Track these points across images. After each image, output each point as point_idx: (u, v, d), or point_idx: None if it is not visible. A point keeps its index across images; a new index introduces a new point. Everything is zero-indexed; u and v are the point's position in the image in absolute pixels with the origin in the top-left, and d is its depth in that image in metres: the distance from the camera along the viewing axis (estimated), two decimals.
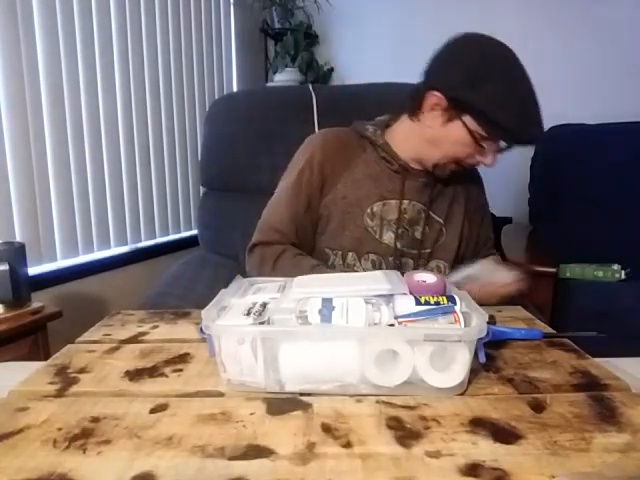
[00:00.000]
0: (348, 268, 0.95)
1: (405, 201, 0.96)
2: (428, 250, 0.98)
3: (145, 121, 1.95)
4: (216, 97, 2.30)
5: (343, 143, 1.00)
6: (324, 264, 0.94)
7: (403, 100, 0.98)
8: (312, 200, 0.98)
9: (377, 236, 0.96)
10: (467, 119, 0.86)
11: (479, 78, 0.83)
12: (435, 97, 0.88)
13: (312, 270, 0.87)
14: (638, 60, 2.14)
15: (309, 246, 1.00)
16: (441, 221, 0.99)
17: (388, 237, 0.96)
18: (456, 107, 0.86)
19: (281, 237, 0.97)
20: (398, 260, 0.96)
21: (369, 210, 0.96)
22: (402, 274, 0.93)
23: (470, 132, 0.87)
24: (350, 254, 0.96)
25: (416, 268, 0.97)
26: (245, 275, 0.93)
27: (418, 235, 0.97)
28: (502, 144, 0.90)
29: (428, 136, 0.92)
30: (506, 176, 2.30)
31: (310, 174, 0.98)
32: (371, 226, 0.96)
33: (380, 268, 0.93)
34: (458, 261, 1.03)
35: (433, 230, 0.99)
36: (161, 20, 1.99)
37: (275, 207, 1.00)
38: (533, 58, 2.41)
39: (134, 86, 1.88)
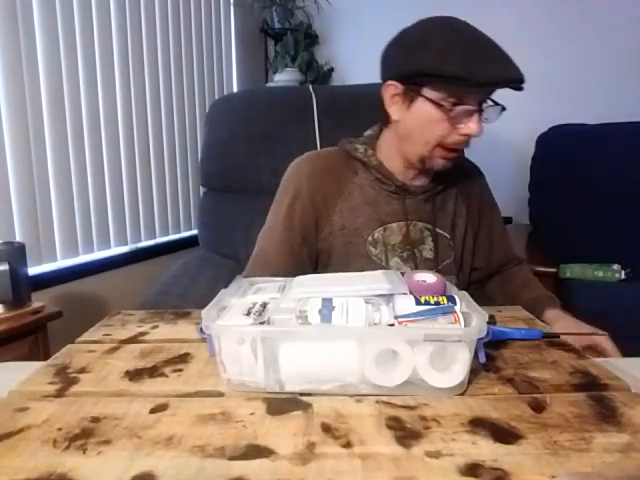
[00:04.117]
0: None
1: (407, 222, 0.92)
2: (440, 267, 0.94)
3: (145, 121, 1.95)
4: (216, 97, 2.30)
5: (332, 168, 0.94)
6: None
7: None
8: (308, 234, 0.92)
9: (383, 263, 0.91)
10: (426, 92, 0.80)
11: (418, 45, 0.79)
12: (389, 87, 0.84)
13: None
14: (638, 60, 2.14)
15: None
16: (448, 236, 0.96)
17: (395, 262, 0.91)
18: (410, 84, 0.82)
19: (275, 273, 0.89)
20: None
21: (370, 238, 0.91)
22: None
23: (434, 103, 0.80)
24: None
25: None
26: None
27: (428, 254, 0.93)
28: (471, 106, 0.79)
29: (402, 131, 0.87)
30: (506, 176, 2.30)
31: (301, 208, 0.92)
32: (375, 254, 0.91)
33: None
34: (467, 273, 1.01)
35: (442, 246, 0.95)
36: (161, 20, 1.99)
37: (268, 242, 0.94)
38: (533, 58, 2.41)
39: (134, 86, 1.88)
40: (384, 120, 0.91)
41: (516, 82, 0.77)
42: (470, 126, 0.80)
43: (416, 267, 0.91)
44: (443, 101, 0.79)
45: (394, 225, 0.92)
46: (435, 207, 0.94)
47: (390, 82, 0.84)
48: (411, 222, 0.92)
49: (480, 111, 0.80)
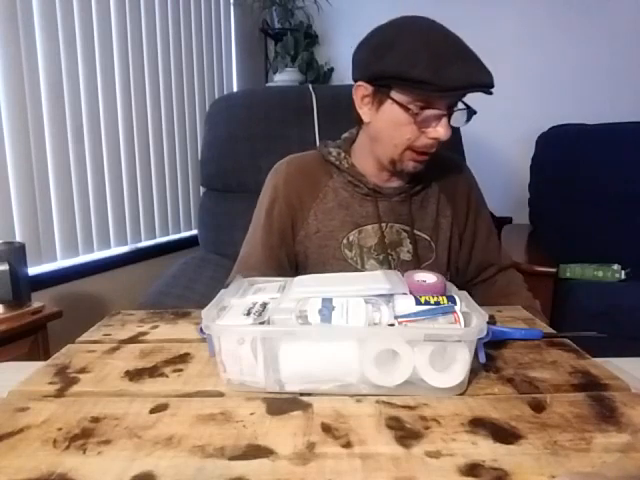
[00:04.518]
0: None
1: (382, 224, 0.91)
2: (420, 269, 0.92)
3: (145, 121, 1.95)
4: (216, 97, 2.30)
5: (308, 171, 0.95)
6: None
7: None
8: (285, 236, 0.93)
9: (359, 266, 0.90)
10: (393, 94, 0.79)
11: (385, 46, 0.78)
12: (359, 88, 0.83)
13: None
14: (638, 60, 2.14)
15: None
16: (428, 238, 0.94)
17: (371, 265, 0.90)
18: (379, 86, 0.81)
19: (258, 276, 0.93)
20: None
21: (345, 241, 0.91)
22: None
23: (401, 106, 0.79)
24: None
25: None
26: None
27: (406, 257, 0.92)
28: (439, 110, 0.78)
29: (372, 133, 0.86)
30: (506, 176, 2.31)
31: (279, 210, 0.93)
32: (350, 257, 0.91)
33: None
34: (453, 277, 0.98)
35: (421, 248, 0.93)
36: (161, 20, 1.99)
37: (251, 246, 0.96)
38: (533, 58, 2.41)
39: (134, 86, 1.88)
40: (357, 121, 0.90)
41: (484, 87, 0.75)
42: (438, 130, 0.79)
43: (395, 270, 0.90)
44: (410, 104, 0.78)
45: (369, 228, 0.91)
46: (412, 208, 0.93)
47: (360, 83, 0.83)
48: (387, 224, 0.92)
49: (449, 115, 0.79)
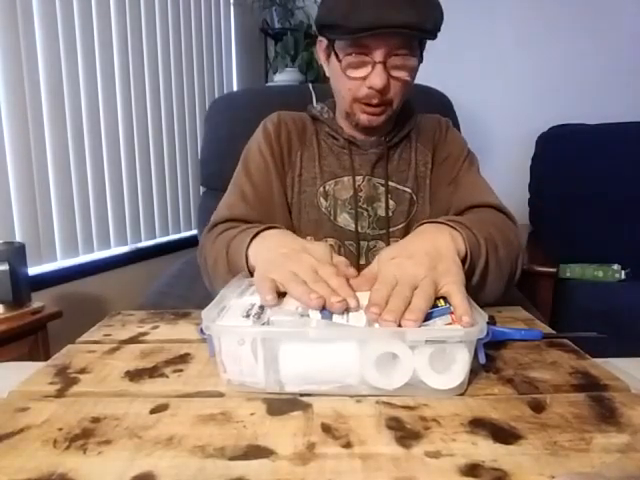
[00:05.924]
0: None
1: (358, 177, 0.90)
2: (401, 225, 0.90)
3: (145, 121, 1.95)
4: (216, 97, 2.30)
5: (297, 121, 0.97)
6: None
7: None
8: (277, 168, 0.92)
9: (332, 217, 0.90)
10: (336, 45, 0.81)
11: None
12: (319, 43, 0.87)
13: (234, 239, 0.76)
14: (638, 60, 2.14)
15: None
16: (409, 190, 0.91)
17: (343, 219, 0.89)
18: (327, 39, 0.83)
19: (250, 209, 0.88)
20: (358, 244, 0.89)
21: (322, 189, 0.90)
22: (365, 260, 0.88)
23: (336, 55, 0.81)
24: (308, 238, 0.89)
25: None
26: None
27: (383, 212, 0.90)
28: (369, 57, 0.77)
29: (332, 87, 0.89)
30: (506, 176, 2.30)
31: (269, 142, 0.93)
32: (325, 206, 0.90)
33: (338, 254, 0.76)
34: None
35: (402, 203, 0.91)
36: (161, 20, 1.99)
37: (237, 184, 0.92)
38: (534, 58, 2.41)
39: (134, 86, 1.88)
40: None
41: (396, 27, 0.72)
42: (371, 77, 0.78)
43: (367, 226, 0.90)
44: (346, 54, 0.79)
45: (345, 180, 0.91)
46: (389, 162, 0.92)
47: (319, 38, 0.86)
48: (364, 177, 0.91)
49: (385, 63, 0.77)
